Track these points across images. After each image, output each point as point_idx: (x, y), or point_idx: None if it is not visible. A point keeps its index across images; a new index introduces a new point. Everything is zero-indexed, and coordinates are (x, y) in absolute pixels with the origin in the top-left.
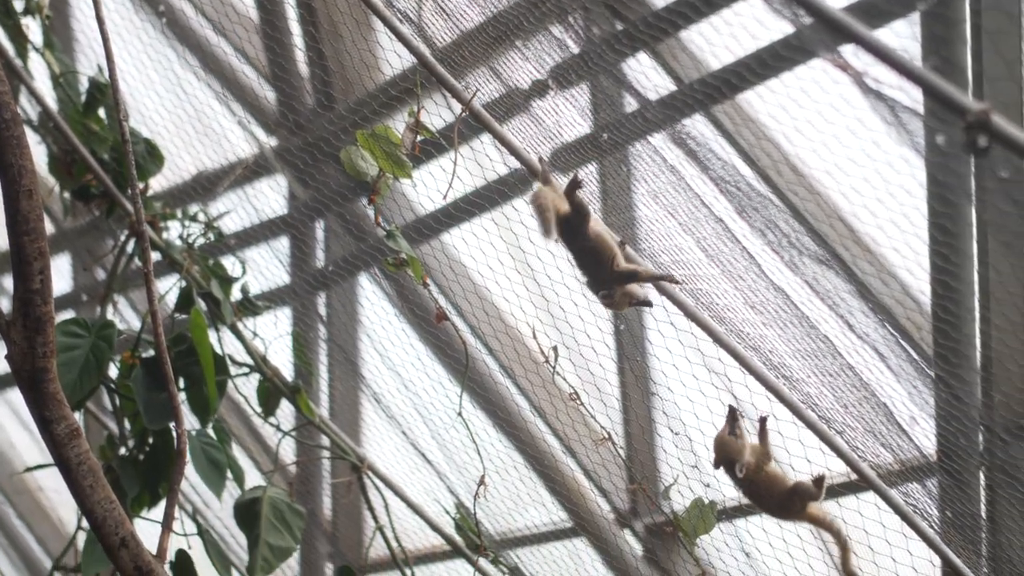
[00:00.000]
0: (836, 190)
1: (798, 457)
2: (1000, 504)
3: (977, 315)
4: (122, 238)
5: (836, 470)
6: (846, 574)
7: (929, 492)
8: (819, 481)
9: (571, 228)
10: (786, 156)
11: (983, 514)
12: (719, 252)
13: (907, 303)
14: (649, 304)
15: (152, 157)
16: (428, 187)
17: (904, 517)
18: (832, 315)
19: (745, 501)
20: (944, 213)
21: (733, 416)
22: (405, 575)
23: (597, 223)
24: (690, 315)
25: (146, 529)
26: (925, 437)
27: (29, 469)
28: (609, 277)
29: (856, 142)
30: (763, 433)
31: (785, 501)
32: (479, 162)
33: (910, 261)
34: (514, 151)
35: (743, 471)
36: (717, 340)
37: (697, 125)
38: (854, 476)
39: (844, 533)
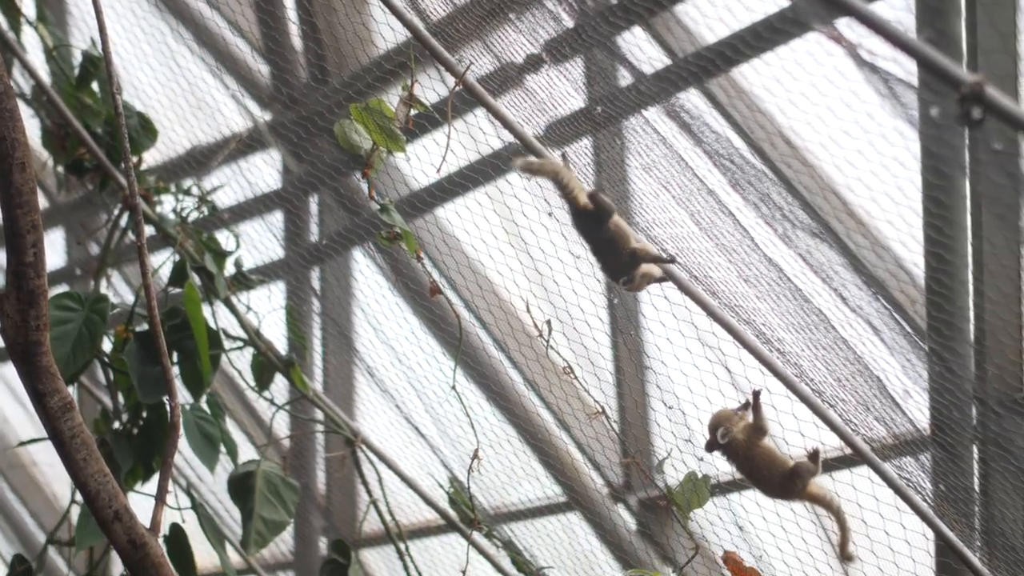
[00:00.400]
0: (830, 162)
1: (791, 431)
2: (993, 477)
3: (971, 288)
4: (116, 212)
5: (829, 444)
6: (843, 557)
7: (922, 466)
8: (814, 456)
9: (590, 222)
10: (780, 129)
11: (976, 487)
12: (712, 225)
13: (900, 276)
14: (672, 260)
15: (145, 131)
16: (422, 161)
17: (897, 491)
18: (825, 288)
19: (739, 475)
20: (938, 185)
21: (750, 404)
22: (399, 549)
23: (618, 217)
24: (683, 288)
25: (140, 503)
26: (918, 410)
27: (23, 443)
28: (623, 263)
29: (850, 114)
30: (756, 407)
31: (785, 482)
32: (473, 136)
33: (904, 234)
34: (508, 125)
35: (725, 437)
36: (710, 313)
37: (691, 98)
38: (848, 450)
39: (843, 512)
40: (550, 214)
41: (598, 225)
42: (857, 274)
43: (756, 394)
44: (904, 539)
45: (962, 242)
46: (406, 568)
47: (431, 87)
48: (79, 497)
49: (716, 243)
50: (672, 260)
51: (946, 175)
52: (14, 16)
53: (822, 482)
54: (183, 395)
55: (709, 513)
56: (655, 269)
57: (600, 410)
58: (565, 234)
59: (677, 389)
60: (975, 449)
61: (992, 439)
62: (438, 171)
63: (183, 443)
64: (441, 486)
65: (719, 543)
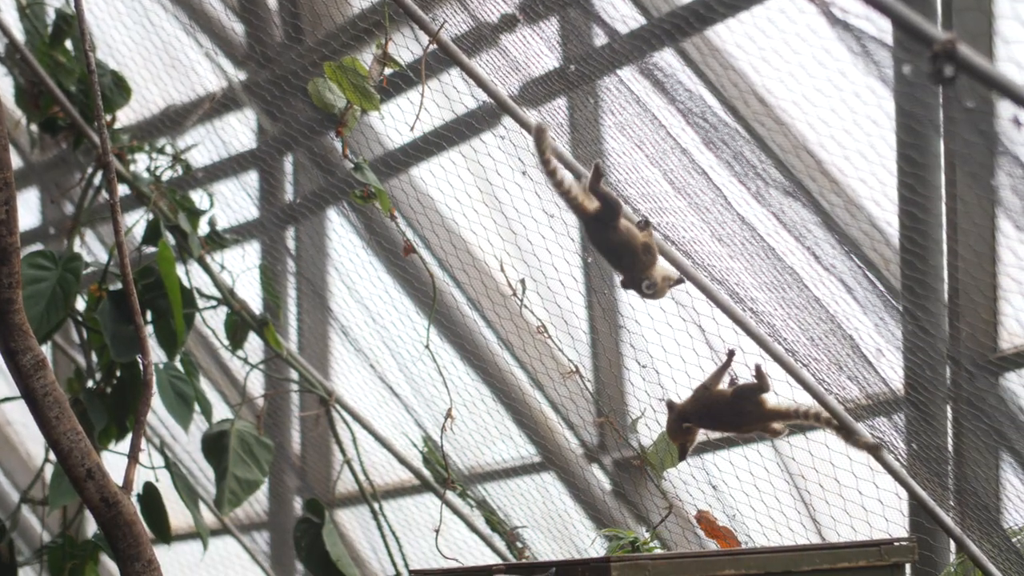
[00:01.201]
0: (803, 120)
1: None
2: (966, 437)
3: (944, 247)
4: (89, 171)
5: (803, 403)
6: (865, 447)
7: (895, 426)
8: (757, 371)
9: (599, 224)
10: (753, 87)
11: (949, 447)
12: (686, 184)
13: (873, 234)
14: (682, 280)
15: (119, 89)
16: (396, 120)
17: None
18: (799, 246)
19: (713, 435)
20: (911, 144)
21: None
22: (373, 509)
23: (624, 216)
24: (657, 247)
25: (114, 462)
26: (891, 370)
27: None
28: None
29: (823, 72)
30: (725, 366)
31: (737, 408)
32: (447, 94)
33: (877, 192)
34: (482, 83)
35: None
36: (684, 273)
37: (665, 56)
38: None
39: (814, 410)
40: (524, 173)
41: (608, 223)
42: (830, 232)
43: (730, 354)
44: (877, 499)
45: (935, 201)
46: (380, 528)
47: (405, 46)
48: (53, 456)
49: (689, 202)
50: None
51: (920, 134)
52: None
53: (780, 400)
54: (157, 354)
55: (682, 472)
56: (671, 271)
57: (574, 369)
58: (539, 192)
59: (651, 348)
60: (948, 409)
61: (965, 399)
62: (412, 129)
63: (157, 402)
64: (415, 445)
65: (692, 502)
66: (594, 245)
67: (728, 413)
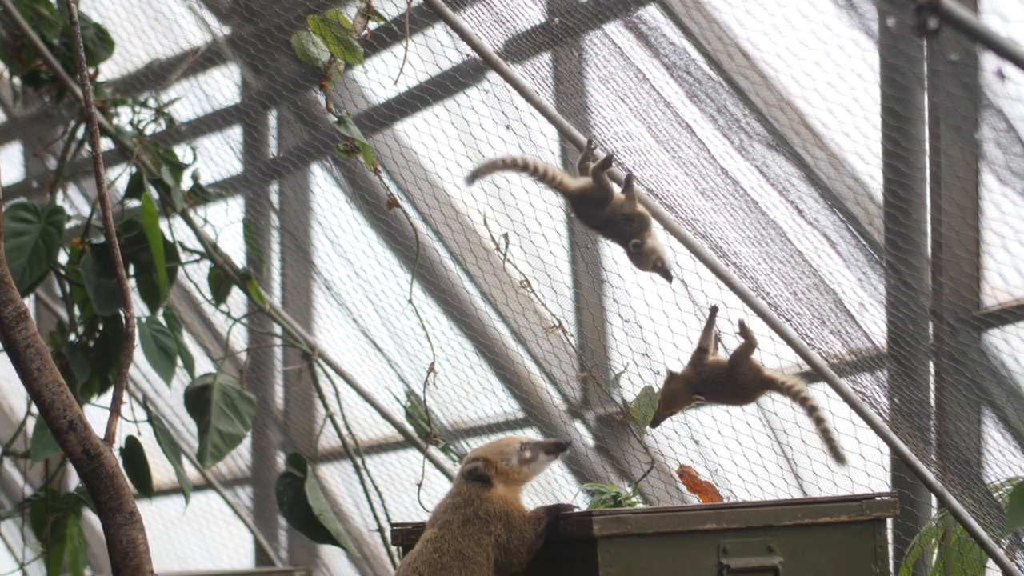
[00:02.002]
0: (786, 74)
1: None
2: (948, 391)
3: (928, 201)
4: (72, 124)
5: (786, 358)
6: (824, 439)
7: (878, 381)
8: (741, 327)
9: (589, 204)
10: (736, 40)
11: (932, 402)
12: (669, 138)
13: (857, 189)
14: (670, 279)
15: (102, 42)
16: (380, 73)
17: (853, 405)
18: (782, 200)
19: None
20: (895, 97)
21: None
22: (356, 463)
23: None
24: (640, 201)
25: (96, 416)
26: (874, 324)
27: None
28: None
29: (807, 25)
30: (709, 324)
31: (735, 378)
32: (431, 48)
33: (860, 146)
34: (466, 37)
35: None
36: (667, 227)
37: (649, 10)
38: (805, 367)
39: (811, 402)
40: (508, 127)
41: (599, 205)
42: (814, 186)
43: (713, 310)
44: (859, 454)
45: (919, 155)
46: (363, 482)
47: None
48: (35, 409)
49: (673, 156)
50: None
51: (904, 87)
52: None
53: (779, 372)
54: (139, 308)
55: (665, 428)
56: (667, 256)
57: (557, 324)
58: (523, 147)
59: (634, 303)
60: (931, 364)
61: (947, 352)
62: (395, 83)
63: (140, 357)
64: (398, 400)
65: (675, 457)
66: (581, 220)
67: (729, 385)
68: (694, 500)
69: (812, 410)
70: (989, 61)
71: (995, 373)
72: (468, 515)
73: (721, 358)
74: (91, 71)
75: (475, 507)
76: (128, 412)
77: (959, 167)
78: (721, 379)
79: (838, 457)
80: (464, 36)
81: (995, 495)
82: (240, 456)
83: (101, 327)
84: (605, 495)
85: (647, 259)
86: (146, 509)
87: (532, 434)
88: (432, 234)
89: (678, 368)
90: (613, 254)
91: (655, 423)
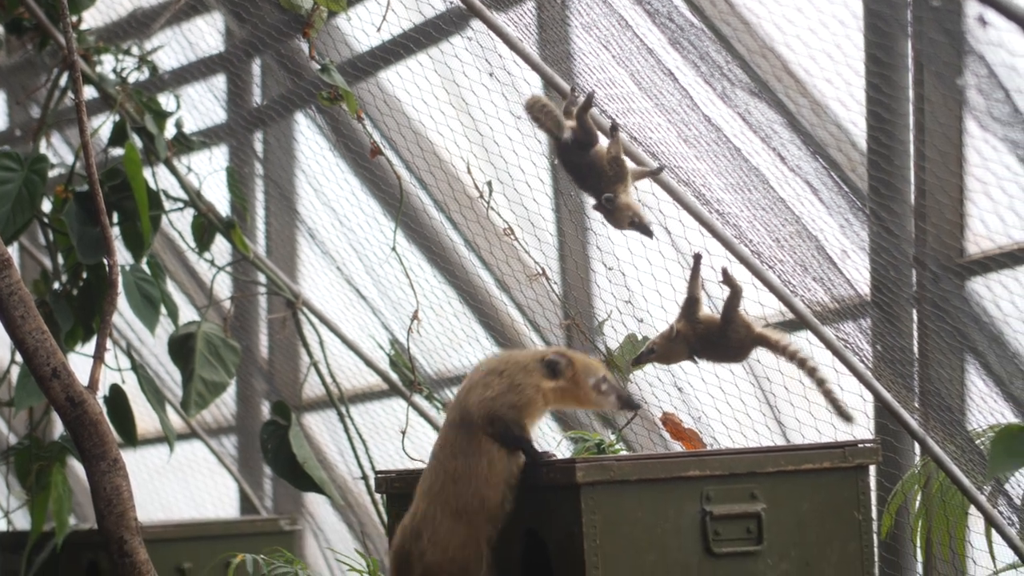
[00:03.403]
0: (768, 20)
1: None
2: (930, 339)
3: (912, 148)
4: (55, 72)
5: (769, 306)
6: (828, 399)
7: (860, 328)
8: (724, 274)
9: (571, 147)
10: None
11: (915, 350)
12: (652, 85)
13: (839, 135)
14: (649, 234)
15: None
16: (363, 20)
17: (836, 353)
18: (764, 147)
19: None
20: (878, 44)
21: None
22: (340, 412)
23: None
24: (624, 149)
25: (81, 365)
26: (856, 271)
27: None
28: (609, 180)
29: None
30: (694, 272)
31: (728, 336)
32: None
33: (843, 93)
34: None
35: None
36: (651, 174)
37: None
38: (788, 316)
39: (801, 354)
40: (491, 74)
41: (582, 149)
42: (796, 133)
43: (697, 257)
44: (845, 404)
45: (902, 101)
46: (347, 430)
47: None
48: (19, 358)
49: (656, 103)
50: (659, 170)
51: (886, 33)
52: None
53: (771, 330)
54: (123, 256)
55: (648, 375)
56: (643, 212)
57: (540, 271)
58: (506, 95)
59: (617, 250)
60: (914, 312)
61: (929, 299)
62: (378, 30)
63: (124, 305)
64: (382, 348)
65: (658, 404)
66: (563, 165)
67: (723, 344)
68: (677, 447)
69: (812, 371)
70: (971, 7)
71: (977, 320)
72: (514, 381)
73: (713, 315)
74: (74, 19)
75: (523, 379)
76: (112, 360)
77: (941, 114)
78: (715, 337)
79: (844, 415)
80: None
81: (977, 442)
82: (225, 405)
83: (85, 275)
84: (588, 443)
85: (622, 215)
86: (131, 458)
87: None
88: (415, 182)
89: (671, 320)
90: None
91: (638, 361)
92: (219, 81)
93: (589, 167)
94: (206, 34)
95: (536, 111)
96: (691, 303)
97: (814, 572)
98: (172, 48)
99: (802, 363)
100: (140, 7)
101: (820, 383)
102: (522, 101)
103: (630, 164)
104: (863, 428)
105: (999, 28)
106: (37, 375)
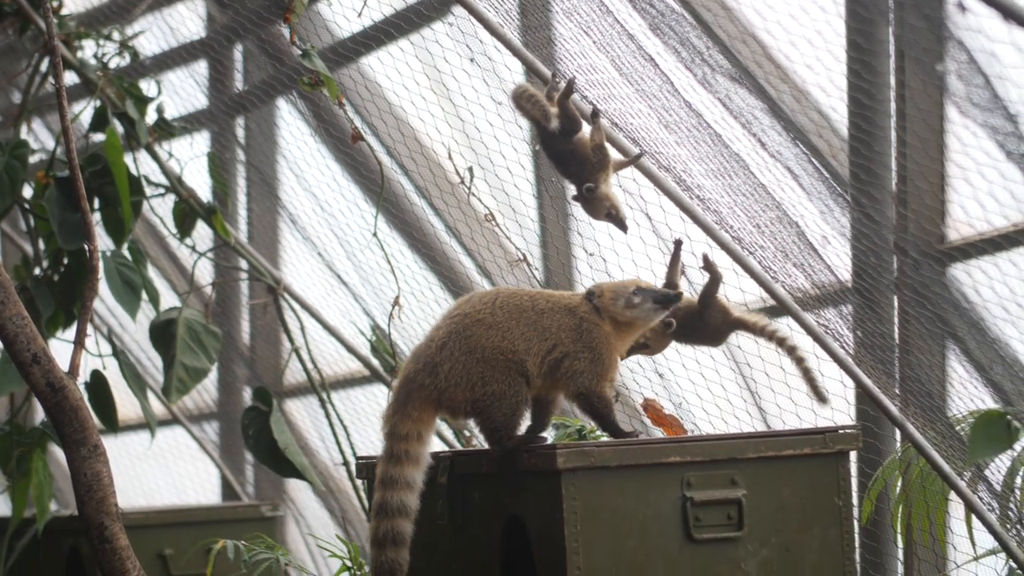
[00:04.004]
0: (749, 5)
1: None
2: (911, 325)
3: (893, 135)
4: (36, 57)
5: (750, 292)
6: (806, 379)
7: (841, 314)
8: (705, 260)
9: (555, 135)
10: None
11: (895, 335)
12: (633, 71)
13: (820, 121)
14: (624, 228)
15: None
16: (343, 6)
17: (817, 339)
18: (745, 133)
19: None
20: (858, 30)
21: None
22: (321, 398)
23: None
24: (605, 135)
25: (62, 351)
26: (837, 257)
27: None
28: (592, 168)
29: None
30: (675, 258)
31: (706, 319)
32: None
33: (823, 78)
34: None
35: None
36: (632, 160)
37: None
38: (769, 302)
39: (780, 334)
40: (472, 60)
41: (565, 136)
42: (777, 119)
43: (677, 244)
44: (823, 387)
45: (882, 87)
46: (328, 416)
47: None
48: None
49: (636, 88)
50: (639, 156)
51: (867, 19)
52: None
53: (749, 313)
54: (105, 242)
55: (629, 360)
56: (622, 207)
57: (522, 257)
58: (487, 80)
59: (598, 236)
60: (894, 298)
61: (910, 285)
62: (359, 15)
63: (106, 291)
64: (363, 334)
65: (639, 390)
66: (545, 152)
67: (700, 328)
68: (659, 434)
69: (792, 350)
70: None
71: (957, 306)
72: (569, 322)
73: (692, 299)
74: (55, 4)
75: (579, 317)
76: (93, 346)
77: (922, 100)
78: (693, 321)
79: (820, 397)
80: None
81: (957, 428)
82: (207, 391)
83: (66, 261)
84: (570, 428)
85: (600, 205)
86: (113, 444)
87: None
88: (397, 167)
89: None
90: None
91: (630, 353)
92: (200, 67)
93: (571, 154)
94: (187, 20)
95: (523, 101)
96: (670, 288)
97: (794, 558)
98: (153, 34)
99: (781, 342)
100: None
101: (799, 362)
102: (508, 90)
103: (613, 153)
104: (844, 414)
105: (978, 14)
106: (17, 361)
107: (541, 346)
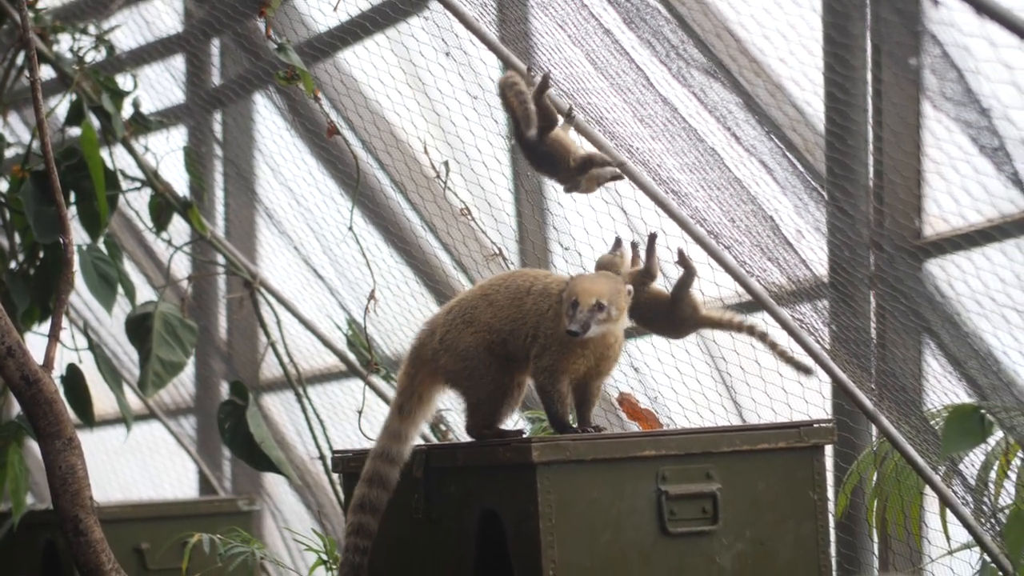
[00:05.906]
0: None
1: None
2: (887, 320)
3: (869, 129)
4: (11, 51)
5: (725, 286)
6: (784, 360)
7: (817, 309)
8: (680, 256)
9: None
10: None
11: (872, 332)
12: (608, 64)
13: (795, 116)
14: (620, 177)
15: None
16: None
17: (792, 333)
18: (719, 127)
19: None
20: (833, 23)
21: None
22: (297, 391)
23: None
24: (580, 130)
25: (38, 345)
26: (811, 251)
27: None
28: (569, 172)
29: None
30: (651, 250)
31: (674, 314)
32: None
33: (797, 72)
34: None
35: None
36: (607, 154)
37: None
38: (744, 297)
39: (748, 323)
40: (447, 54)
41: (541, 134)
42: (751, 113)
43: (652, 237)
44: (798, 381)
45: (857, 82)
46: (304, 411)
47: None
48: None
49: (611, 83)
50: (621, 165)
51: (841, 13)
52: None
53: (717, 310)
54: (81, 236)
55: None
56: (603, 171)
57: (498, 252)
58: (463, 75)
59: (574, 231)
60: (872, 297)
61: (885, 280)
62: (335, 9)
63: (81, 285)
64: (339, 328)
65: (615, 384)
66: (520, 148)
67: (666, 319)
68: (634, 427)
69: (763, 336)
70: None
71: (932, 301)
72: (545, 308)
73: (664, 291)
74: None
75: (550, 305)
76: (69, 340)
77: (896, 94)
78: (659, 310)
79: (804, 369)
80: None
81: (932, 422)
82: (183, 386)
83: (42, 255)
84: (545, 422)
85: (591, 187)
86: (90, 438)
87: None
88: (373, 162)
89: None
90: (553, 182)
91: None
92: (177, 61)
93: (546, 155)
94: (163, 14)
95: (510, 92)
96: (644, 276)
97: (769, 552)
98: (129, 28)
99: (751, 330)
100: None
101: (772, 347)
102: (484, 84)
103: (593, 152)
104: (819, 408)
105: (951, 8)
106: None
107: (522, 329)
